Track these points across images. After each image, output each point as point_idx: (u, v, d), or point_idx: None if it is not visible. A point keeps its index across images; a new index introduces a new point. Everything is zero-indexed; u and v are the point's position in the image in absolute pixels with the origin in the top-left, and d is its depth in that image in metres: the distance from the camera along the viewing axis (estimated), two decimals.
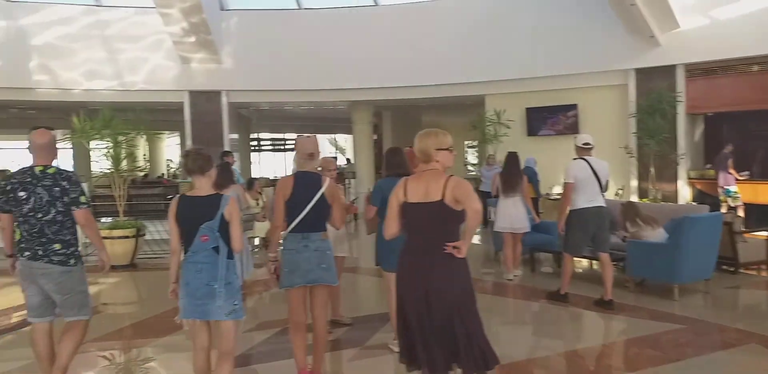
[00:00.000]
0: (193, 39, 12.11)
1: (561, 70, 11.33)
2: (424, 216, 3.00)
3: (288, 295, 3.79)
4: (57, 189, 3.54)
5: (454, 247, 2.91)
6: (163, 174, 22.59)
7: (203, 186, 3.35)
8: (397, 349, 4.42)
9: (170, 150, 26.95)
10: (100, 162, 8.27)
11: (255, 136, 21.72)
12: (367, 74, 12.83)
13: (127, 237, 8.02)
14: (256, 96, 13.98)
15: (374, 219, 4.64)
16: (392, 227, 3.11)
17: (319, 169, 4.25)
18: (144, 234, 8.43)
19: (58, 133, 15.79)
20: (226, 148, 13.23)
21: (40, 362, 3.71)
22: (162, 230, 9.71)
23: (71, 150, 17.42)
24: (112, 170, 8.40)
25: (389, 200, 3.15)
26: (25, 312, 5.88)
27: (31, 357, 4.45)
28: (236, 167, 9.16)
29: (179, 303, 3.29)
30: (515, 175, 6.80)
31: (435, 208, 2.95)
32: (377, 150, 16.01)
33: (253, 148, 21.89)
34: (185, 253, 3.29)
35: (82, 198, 3.62)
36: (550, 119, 11.58)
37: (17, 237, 3.62)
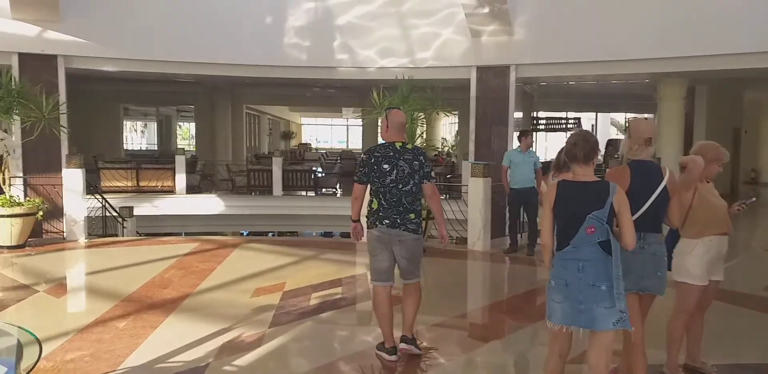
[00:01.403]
0: (486, 10, 11.14)
1: None
2: None
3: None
4: (416, 163, 3.87)
5: None
6: (439, 152, 22.64)
7: (587, 172, 2.99)
8: None
9: (444, 129, 27.10)
10: None
11: (533, 114, 20.31)
12: (680, 40, 10.45)
13: None
14: (546, 70, 12.51)
15: None
16: None
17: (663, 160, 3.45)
18: (432, 217, 7.77)
19: (349, 111, 16.33)
20: (511, 127, 12.22)
21: (383, 320, 3.92)
22: (446, 209, 9.09)
23: (360, 127, 18.21)
24: None
25: None
26: (320, 292, 5.66)
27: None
28: (533, 149, 7.97)
29: (549, 305, 2.91)
30: None
31: None
32: (686, 132, 13.34)
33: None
34: (560, 248, 2.91)
35: (432, 173, 3.97)
36: None
37: (374, 206, 3.91)
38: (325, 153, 27.39)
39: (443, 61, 12.32)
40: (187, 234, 16.38)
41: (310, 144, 34.00)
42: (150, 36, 12.15)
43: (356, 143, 37.38)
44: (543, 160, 8.34)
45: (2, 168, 7.44)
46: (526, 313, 5.33)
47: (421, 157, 3.90)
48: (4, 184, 7.43)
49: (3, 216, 7.06)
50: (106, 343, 4.20)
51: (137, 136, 33.73)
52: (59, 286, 5.81)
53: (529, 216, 7.54)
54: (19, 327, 2.43)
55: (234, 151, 19.28)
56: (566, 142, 3.08)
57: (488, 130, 12.27)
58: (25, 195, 9.53)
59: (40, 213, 7.45)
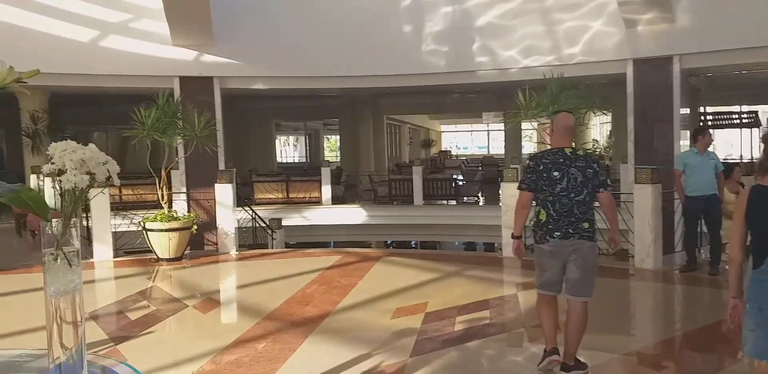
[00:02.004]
0: None
1: None
2: None
3: None
4: (590, 171, 3.56)
5: None
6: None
7: None
8: None
9: (595, 129, 25.17)
10: (532, 141, 7.12)
11: (700, 110, 18.02)
12: None
13: None
14: (716, 58, 10.83)
15: None
16: None
17: None
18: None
19: (490, 116, 15.52)
20: (676, 125, 10.80)
21: (546, 321, 3.63)
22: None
23: (502, 131, 17.36)
24: None
25: None
26: (465, 315, 5.10)
27: None
28: (712, 149, 6.75)
29: (744, 334, 2.49)
30: None
31: None
32: None
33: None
34: (755, 266, 2.49)
35: (608, 181, 3.68)
36: None
37: (542, 218, 3.61)
38: (466, 160, 26.74)
39: (594, 56, 11.22)
40: (334, 243, 16.64)
41: (450, 151, 33.55)
42: (296, 54, 12.49)
43: (497, 148, 36.26)
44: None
45: (161, 184, 7.80)
46: (716, 348, 4.34)
47: (595, 165, 3.59)
48: (162, 199, 7.80)
49: (161, 230, 7.38)
50: (244, 367, 3.99)
51: (291, 149, 35.64)
52: (207, 301, 5.86)
53: (711, 227, 6.33)
54: (126, 363, 2.17)
55: (376, 161, 19.38)
56: (762, 139, 2.60)
57: (650, 129, 10.93)
58: (188, 210, 10.08)
59: (195, 227, 7.71)
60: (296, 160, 32.90)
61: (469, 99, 18.34)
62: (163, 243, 7.42)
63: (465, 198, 14.47)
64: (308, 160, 28.03)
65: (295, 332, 4.73)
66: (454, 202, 14.16)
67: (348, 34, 12.38)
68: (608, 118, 20.44)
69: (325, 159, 25.25)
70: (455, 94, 17.59)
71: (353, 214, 13.78)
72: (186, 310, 5.46)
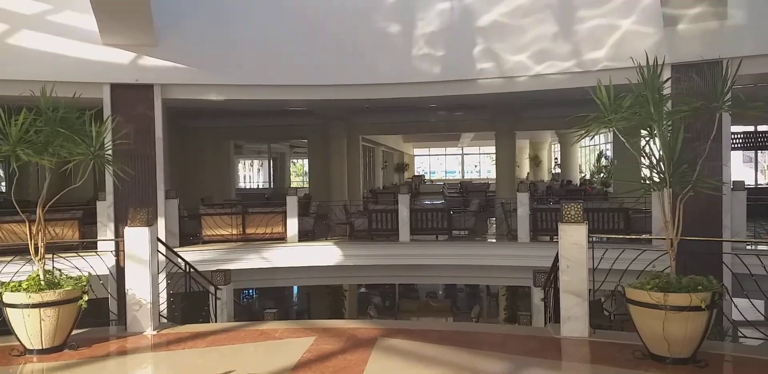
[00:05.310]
0: None
1: None
2: None
3: None
4: None
5: None
6: (587, 180, 18.71)
7: None
8: None
9: (582, 152, 23.08)
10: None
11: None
12: None
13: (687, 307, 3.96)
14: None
15: None
16: None
17: None
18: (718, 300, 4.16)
19: (467, 138, 12.62)
20: (726, 144, 8.49)
21: None
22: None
23: (478, 155, 14.86)
24: None
25: None
26: None
27: None
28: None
29: None
30: None
31: None
32: None
33: None
34: None
35: None
36: None
37: None
38: (444, 185, 24.23)
39: (623, 62, 8.84)
40: (300, 287, 13.67)
41: (424, 176, 31.10)
42: (258, 58, 9.87)
43: (471, 173, 34.02)
44: None
45: (37, 228, 4.79)
46: None
47: None
48: (35, 254, 4.78)
49: (27, 306, 4.42)
50: None
51: (254, 174, 32.57)
52: None
53: None
54: None
55: (350, 188, 16.62)
56: None
57: (691, 148, 8.57)
58: (117, 258, 6.68)
59: (84, 298, 4.73)
60: (260, 186, 29.90)
61: (455, 117, 15.85)
62: (31, 327, 4.46)
63: (457, 232, 11.82)
64: (272, 187, 25.10)
65: None
66: (445, 237, 11.49)
67: (322, 34, 9.86)
68: (602, 138, 18.27)
69: (291, 186, 22.40)
70: (442, 112, 15.08)
71: (325, 254, 10.94)
72: None
